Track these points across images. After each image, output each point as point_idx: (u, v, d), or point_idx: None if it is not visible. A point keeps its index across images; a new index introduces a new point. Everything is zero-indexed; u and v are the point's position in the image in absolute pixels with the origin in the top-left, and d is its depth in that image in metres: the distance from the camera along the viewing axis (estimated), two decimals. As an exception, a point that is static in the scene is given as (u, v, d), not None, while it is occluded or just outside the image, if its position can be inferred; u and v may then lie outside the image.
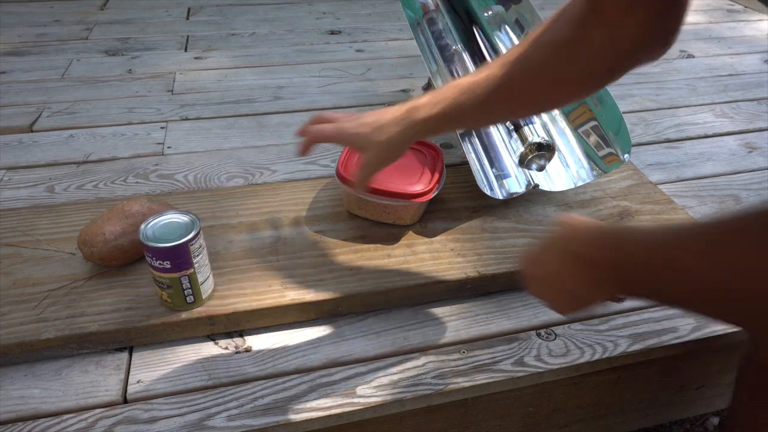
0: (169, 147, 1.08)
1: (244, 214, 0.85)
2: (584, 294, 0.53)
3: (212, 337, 0.70)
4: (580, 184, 0.89)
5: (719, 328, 0.74)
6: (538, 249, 0.57)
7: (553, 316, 0.74)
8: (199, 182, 0.97)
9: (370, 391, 0.64)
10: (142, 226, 0.65)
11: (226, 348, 0.69)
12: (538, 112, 0.81)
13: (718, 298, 0.42)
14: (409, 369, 0.67)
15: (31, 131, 1.13)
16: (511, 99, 0.62)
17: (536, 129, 0.85)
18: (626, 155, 0.87)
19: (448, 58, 1.00)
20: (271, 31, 1.67)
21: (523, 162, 0.85)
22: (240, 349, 0.68)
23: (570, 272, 0.52)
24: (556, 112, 0.95)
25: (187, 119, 1.18)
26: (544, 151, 0.84)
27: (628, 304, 0.77)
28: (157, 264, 0.64)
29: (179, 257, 0.64)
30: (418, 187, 0.80)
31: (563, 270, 0.53)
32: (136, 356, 0.67)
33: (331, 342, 0.70)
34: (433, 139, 0.94)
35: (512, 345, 0.70)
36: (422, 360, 0.68)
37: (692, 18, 1.80)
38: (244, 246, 0.79)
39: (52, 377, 0.64)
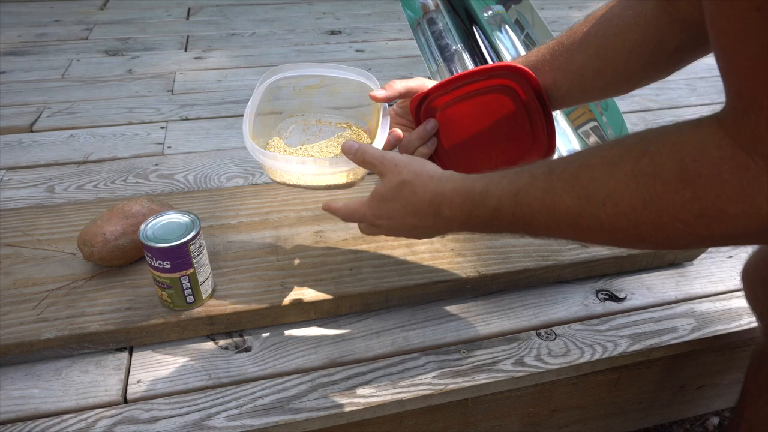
0: (169, 147, 1.08)
1: (244, 214, 0.85)
2: (442, 233, 0.60)
3: (212, 337, 0.70)
4: (580, 184, 0.89)
5: (719, 327, 0.74)
6: (381, 206, 0.59)
7: (553, 316, 0.74)
8: (199, 182, 0.97)
9: (370, 391, 0.64)
10: (142, 226, 0.65)
11: (226, 348, 0.69)
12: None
13: (588, 226, 0.44)
14: (409, 369, 0.67)
15: (31, 131, 1.13)
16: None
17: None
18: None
19: (448, 58, 1.00)
20: (271, 31, 1.67)
21: (524, 162, 0.85)
22: (240, 349, 0.68)
23: (429, 226, 0.57)
24: (557, 113, 0.95)
25: (187, 119, 1.18)
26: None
27: (628, 303, 0.77)
28: (157, 264, 0.64)
29: (179, 257, 0.64)
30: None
31: (422, 224, 0.57)
32: (136, 356, 0.67)
33: (331, 342, 0.70)
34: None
35: (512, 345, 0.70)
36: (422, 360, 0.68)
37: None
38: (244, 246, 0.79)
39: (52, 377, 0.64)
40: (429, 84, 0.69)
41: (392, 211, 0.58)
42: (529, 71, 0.63)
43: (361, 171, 0.69)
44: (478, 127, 0.67)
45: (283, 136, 0.77)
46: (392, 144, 0.70)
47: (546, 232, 0.49)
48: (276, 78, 0.73)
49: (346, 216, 0.63)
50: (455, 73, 0.97)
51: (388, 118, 0.69)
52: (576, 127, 0.93)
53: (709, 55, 0.58)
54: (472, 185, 0.53)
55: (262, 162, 0.66)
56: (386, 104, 0.70)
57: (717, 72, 0.39)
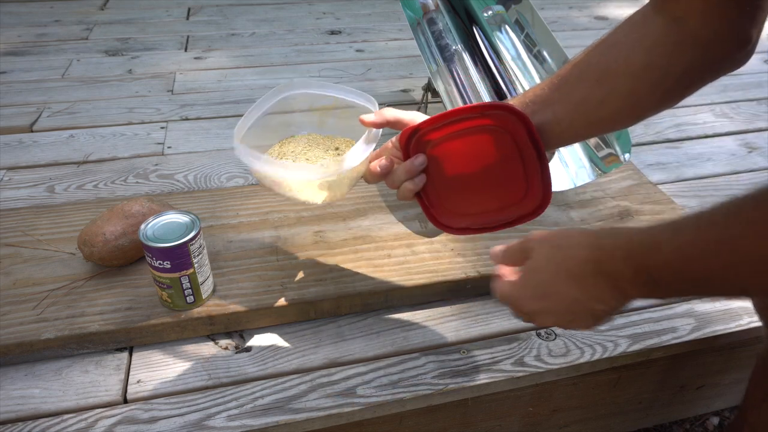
0: (169, 147, 1.08)
1: (244, 214, 0.85)
2: (612, 307, 0.50)
3: (212, 337, 0.70)
4: (580, 184, 0.89)
5: (719, 327, 0.74)
6: (533, 280, 0.53)
7: (553, 316, 0.74)
8: (199, 182, 0.98)
9: (370, 391, 0.64)
10: (142, 226, 0.65)
11: (226, 348, 0.69)
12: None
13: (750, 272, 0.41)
14: (409, 369, 0.67)
15: (31, 131, 1.13)
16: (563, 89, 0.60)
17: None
18: (626, 155, 0.87)
19: (448, 58, 1.00)
20: (271, 31, 1.67)
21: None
22: (240, 349, 0.68)
23: (593, 294, 0.49)
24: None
25: (187, 119, 1.18)
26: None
27: (628, 304, 0.77)
28: (157, 264, 0.64)
29: (179, 257, 0.64)
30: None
31: (584, 293, 0.49)
32: (136, 356, 0.67)
33: (331, 342, 0.70)
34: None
35: (512, 345, 0.70)
36: (422, 360, 0.68)
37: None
38: (244, 246, 0.79)
39: (52, 377, 0.64)
40: (422, 119, 0.64)
41: (545, 284, 0.51)
42: (524, 114, 0.59)
43: (338, 193, 0.66)
44: (469, 168, 0.63)
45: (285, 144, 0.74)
46: (382, 172, 0.64)
47: (723, 285, 0.45)
48: (292, 93, 0.69)
49: (501, 297, 0.56)
50: (455, 73, 0.98)
51: (373, 144, 0.64)
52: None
53: (719, 78, 0.57)
54: (632, 237, 0.47)
55: (247, 162, 0.62)
56: (375, 129, 0.65)
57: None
